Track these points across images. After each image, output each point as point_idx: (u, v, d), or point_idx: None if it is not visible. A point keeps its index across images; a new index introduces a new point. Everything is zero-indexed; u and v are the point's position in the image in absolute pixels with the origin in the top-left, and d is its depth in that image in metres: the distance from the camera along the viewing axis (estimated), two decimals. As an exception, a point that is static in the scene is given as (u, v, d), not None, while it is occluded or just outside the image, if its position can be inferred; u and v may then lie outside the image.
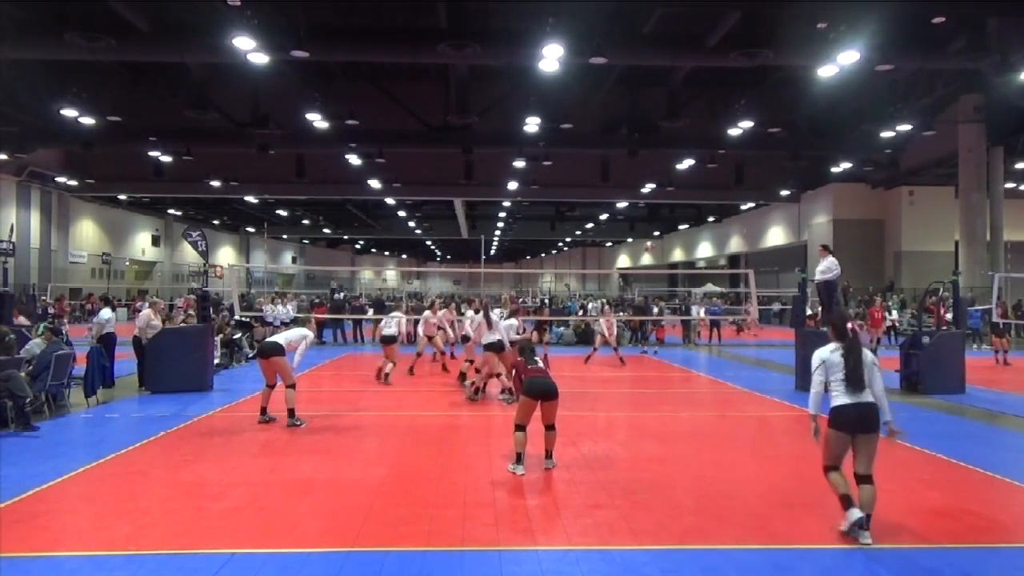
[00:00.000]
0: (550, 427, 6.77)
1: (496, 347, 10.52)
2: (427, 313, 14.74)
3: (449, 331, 14.97)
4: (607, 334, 16.42)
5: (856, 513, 4.77)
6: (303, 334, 9.16)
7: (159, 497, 5.71)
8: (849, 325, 5.16)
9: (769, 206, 37.85)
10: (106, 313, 12.30)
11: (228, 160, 28.94)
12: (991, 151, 25.00)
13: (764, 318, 31.36)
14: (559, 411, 6.72)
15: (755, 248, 41.19)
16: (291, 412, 8.65)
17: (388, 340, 12.74)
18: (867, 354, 4.99)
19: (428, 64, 20.63)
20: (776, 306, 32.41)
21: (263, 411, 8.85)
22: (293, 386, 8.76)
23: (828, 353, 5.01)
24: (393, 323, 13.10)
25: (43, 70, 21.06)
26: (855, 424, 4.85)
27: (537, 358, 7.05)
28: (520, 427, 6.62)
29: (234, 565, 4.33)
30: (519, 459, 6.56)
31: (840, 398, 4.90)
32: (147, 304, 15.10)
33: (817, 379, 4.99)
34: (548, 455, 6.84)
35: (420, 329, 14.70)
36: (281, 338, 9.00)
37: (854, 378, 4.85)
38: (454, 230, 49.25)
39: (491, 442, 7.71)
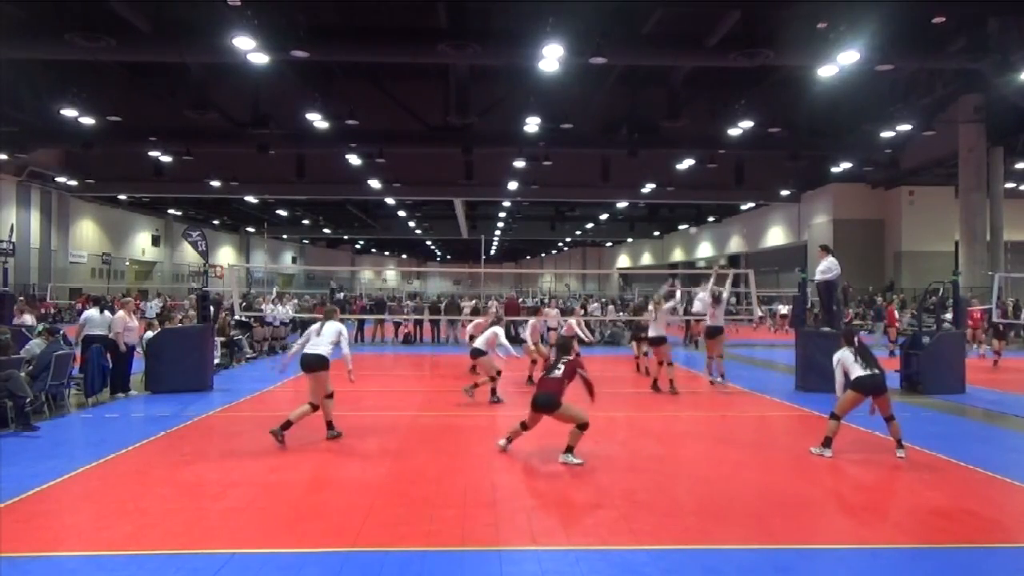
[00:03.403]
0: (580, 426, 6.91)
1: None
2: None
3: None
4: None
5: (828, 452, 7.20)
6: (337, 329, 7.98)
7: (159, 497, 5.70)
8: (857, 337, 7.54)
9: (769, 206, 37.85)
10: (87, 313, 11.76)
11: (228, 160, 28.95)
12: (991, 151, 24.99)
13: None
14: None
15: (755, 248, 41.19)
16: (330, 424, 7.88)
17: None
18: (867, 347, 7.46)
19: (428, 64, 20.62)
20: (776, 305, 32.37)
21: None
22: (331, 396, 7.91)
23: (845, 352, 7.37)
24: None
25: (43, 70, 21.10)
26: (872, 388, 7.11)
27: (561, 365, 7.00)
28: (524, 425, 7.13)
29: (234, 565, 4.33)
30: (509, 439, 7.27)
31: (857, 372, 7.16)
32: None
33: (839, 370, 7.38)
34: (566, 450, 6.92)
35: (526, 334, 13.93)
36: (324, 346, 7.77)
37: (868, 362, 7.19)
38: (454, 230, 49.23)
39: (492, 442, 7.69)
